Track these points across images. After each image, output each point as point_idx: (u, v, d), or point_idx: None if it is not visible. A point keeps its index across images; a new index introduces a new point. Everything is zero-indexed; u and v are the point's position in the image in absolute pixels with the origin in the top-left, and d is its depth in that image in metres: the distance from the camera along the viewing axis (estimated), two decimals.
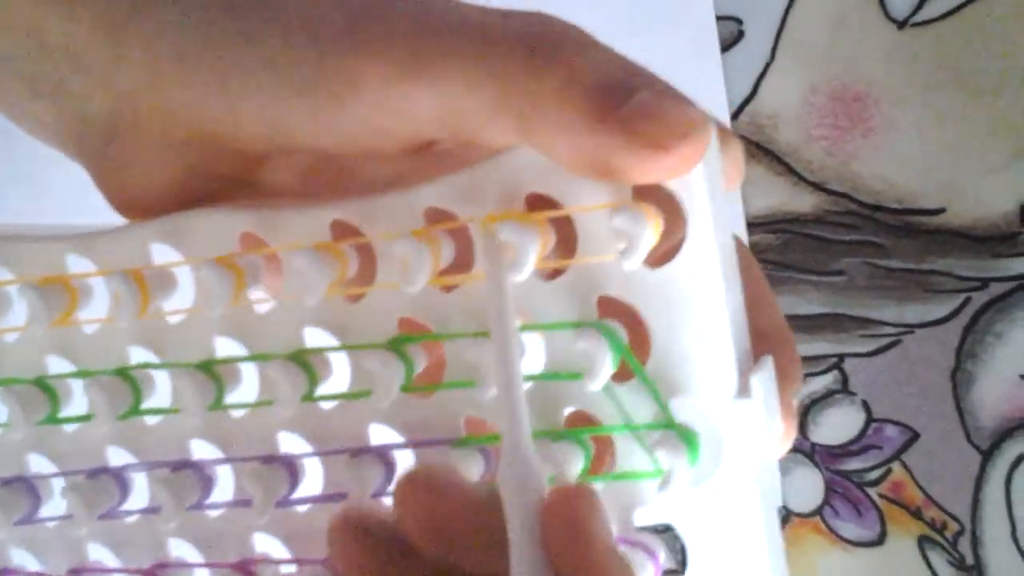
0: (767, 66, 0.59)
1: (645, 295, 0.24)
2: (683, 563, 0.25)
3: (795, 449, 0.60)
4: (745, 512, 0.24)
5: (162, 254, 0.27)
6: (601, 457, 0.25)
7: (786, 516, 0.60)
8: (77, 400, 0.29)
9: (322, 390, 0.27)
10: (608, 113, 0.22)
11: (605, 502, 0.23)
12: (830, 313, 0.59)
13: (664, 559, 0.26)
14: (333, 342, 0.27)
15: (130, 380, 0.28)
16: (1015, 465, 0.58)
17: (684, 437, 0.24)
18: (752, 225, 0.59)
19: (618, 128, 0.22)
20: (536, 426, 0.24)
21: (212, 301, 0.26)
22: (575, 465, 0.25)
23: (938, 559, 0.59)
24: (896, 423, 0.59)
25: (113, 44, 0.25)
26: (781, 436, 0.25)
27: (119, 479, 0.29)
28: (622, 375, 0.24)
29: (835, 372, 0.60)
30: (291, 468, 0.27)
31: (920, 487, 0.59)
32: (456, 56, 0.23)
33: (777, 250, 0.59)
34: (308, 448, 0.27)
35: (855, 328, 0.59)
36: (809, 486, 0.60)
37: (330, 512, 0.25)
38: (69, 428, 0.29)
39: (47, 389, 0.29)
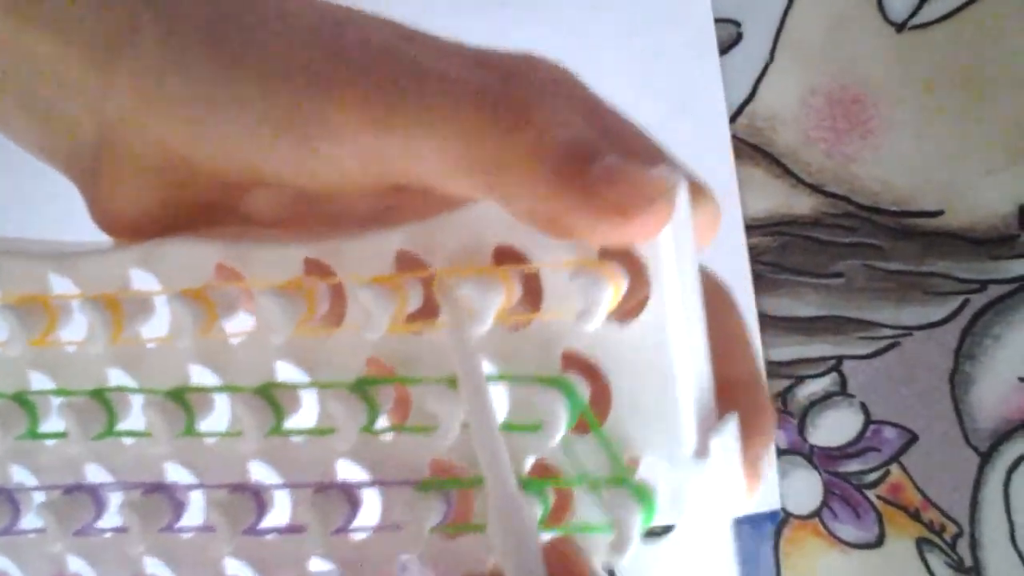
0: (765, 68, 0.59)
1: (607, 352, 0.24)
2: None
3: (794, 451, 0.60)
4: (705, 567, 0.25)
5: (141, 278, 0.28)
6: (562, 508, 0.26)
7: (785, 518, 0.60)
8: (57, 416, 0.29)
9: (292, 421, 0.27)
10: (573, 178, 0.22)
11: None
12: (828, 315, 0.59)
13: None
14: (302, 376, 0.27)
15: (105, 402, 0.28)
16: (1014, 467, 0.58)
17: (639, 494, 0.24)
18: (750, 227, 0.59)
19: (582, 193, 0.22)
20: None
21: (181, 332, 0.26)
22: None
23: (936, 561, 0.59)
24: (894, 425, 0.59)
25: (102, 72, 0.26)
26: (743, 492, 0.25)
27: (95, 496, 0.29)
28: (585, 427, 0.25)
29: (833, 374, 0.60)
30: (258, 497, 0.28)
31: (919, 489, 0.59)
32: (427, 111, 0.23)
33: (775, 252, 0.59)
34: (277, 478, 0.28)
35: (853, 330, 0.59)
36: (807, 488, 0.60)
37: (295, 542, 0.26)
38: (49, 443, 0.29)
39: (26, 404, 0.29)
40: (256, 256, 0.27)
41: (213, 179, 0.26)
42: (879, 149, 0.58)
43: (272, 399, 0.27)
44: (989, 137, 0.57)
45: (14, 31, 0.26)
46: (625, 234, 0.22)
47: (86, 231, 0.28)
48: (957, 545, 0.59)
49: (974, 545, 0.59)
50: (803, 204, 0.59)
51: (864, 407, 0.59)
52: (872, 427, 0.59)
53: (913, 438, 0.59)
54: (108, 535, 0.29)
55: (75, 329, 0.29)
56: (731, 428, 0.24)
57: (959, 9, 0.57)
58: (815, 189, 0.59)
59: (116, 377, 0.29)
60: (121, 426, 0.29)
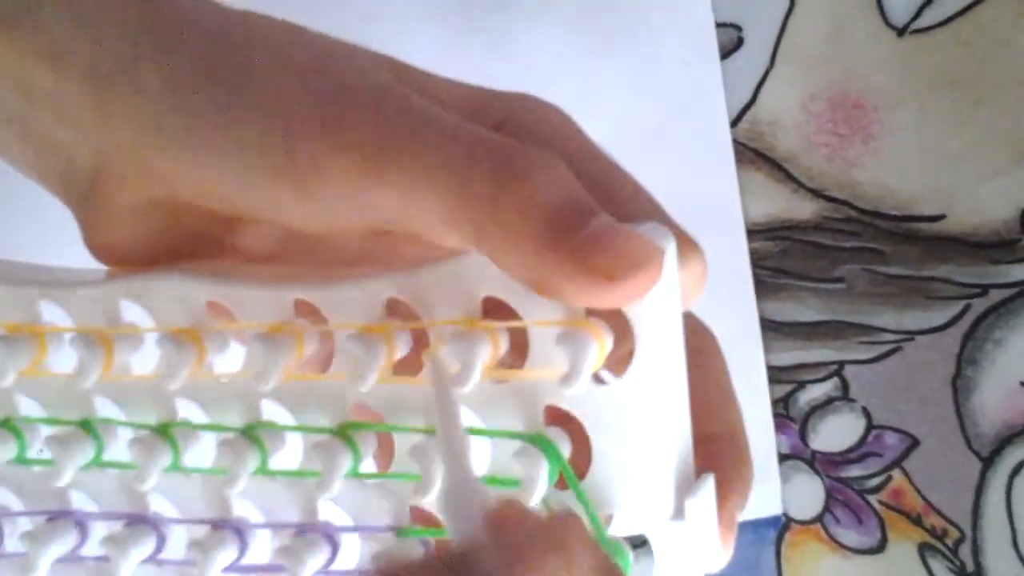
0: (766, 73, 0.59)
1: (589, 410, 0.24)
2: None
3: (795, 456, 0.60)
4: None
5: (132, 309, 0.28)
6: None
7: (786, 524, 0.60)
8: (45, 444, 0.29)
9: (277, 459, 0.27)
10: (561, 240, 0.22)
11: None
12: (830, 320, 0.59)
13: None
14: (289, 417, 0.27)
15: (92, 432, 0.29)
16: (1016, 472, 0.58)
17: (615, 552, 0.24)
18: (751, 232, 0.59)
19: (569, 256, 0.22)
20: None
21: (170, 374, 0.27)
22: None
23: (939, 566, 0.59)
24: (896, 430, 0.59)
25: (99, 104, 0.26)
26: (718, 550, 0.26)
27: (79, 524, 0.29)
28: (564, 482, 0.25)
29: (835, 379, 0.60)
30: (240, 535, 0.28)
31: (920, 494, 0.59)
32: (418, 162, 0.23)
33: (776, 257, 0.59)
34: (260, 517, 0.28)
35: (855, 335, 0.59)
36: (809, 493, 0.60)
37: None
38: (36, 469, 0.30)
39: (14, 431, 0.29)
40: (247, 296, 0.27)
41: (206, 213, 0.27)
42: (880, 153, 0.58)
43: (257, 440, 0.27)
44: (991, 141, 0.57)
45: (13, 60, 0.26)
46: (612, 298, 0.23)
47: (82, 254, 0.28)
48: (959, 550, 0.59)
49: (976, 550, 0.59)
50: (804, 209, 0.59)
51: (866, 412, 0.59)
52: (874, 432, 0.59)
53: (915, 443, 0.59)
54: (91, 563, 0.29)
55: (64, 357, 0.29)
56: (707, 489, 0.25)
57: (960, 13, 0.57)
58: (816, 194, 0.59)
59: (104, 407, 0.29)
60: (107, 455, 0.29)
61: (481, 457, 0.25)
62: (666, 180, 0.57)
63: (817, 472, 0.60)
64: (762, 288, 0.59)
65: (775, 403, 0.60)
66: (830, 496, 0.60)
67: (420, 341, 0.26)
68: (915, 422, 0.59)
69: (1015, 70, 0.57)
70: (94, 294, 0.28)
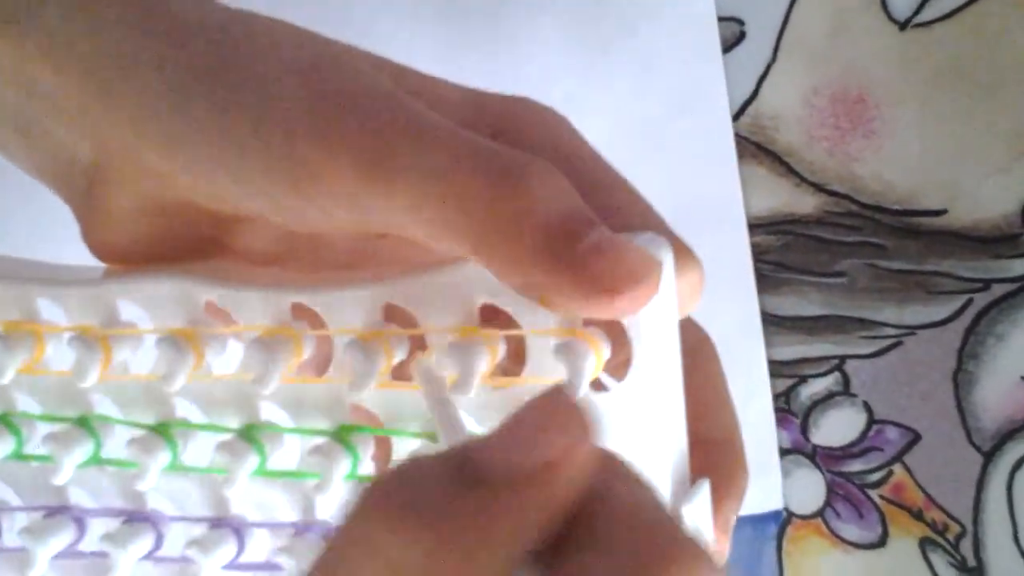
0: (768, 67, 0.59)
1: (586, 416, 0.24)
2: None
3: (796, 451, 0.60)
4: None
5: (130, 308, 0.28)
6: None
7: (787, 518, 0.60)
8: (43, 441, 0.29)
9: (276, 459, 0.27)
10: (559, 253, 0.22)
11: None
12: (831, 314, 0.59)
13: None
14: (287, 418, 0.27)
15: (91, 429, 0.29)
16: (1017, 467, 0.58)
17: None
18: (753, 226, 0.59)
19: (567, 269, 0.22)
20: None
21: (168, 376, 0.27)
22: None
23: (940, 561, 0.59)
24: (897, 425, 0.59)
25: (99, 102, 0.26)
26: (713, 552, 0.25)
27: (76, 520, 0.29)
28: None
29: (836, 374, 0.60)
30: (239, 533, 0.28)
31: (922, 489, 0.59)
32: (415, 169, 0.23)
33: (778, 251, 0.59)
34: (258, 515, 0.28)
35: (856, 329, 0.59)
36: (810, 488, 0.60)
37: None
38: (34, 464, 0.30)
39: (11, 427, 0.29)
40: (244, 298, 0.27)
41: (204, 213, 0.27)
42: (882, 148, 0.58)
43: (256, 441, 0.27)
44: (993, 136, 0.57)
45: (13, 58, 0.26)
46: (610, 311, 0.23)
47: (82, 251, 0.28)
48: (960, 545, 0.59)
49: (977, 545, 0.59)
50: (806, 203, 0.59)
51: (867, 407, 0.59)
52: (875, 427, 0.59)
53: (916, 438, 0.59)
54: (89, 559, 0.29)
55: (62, 355, 0.29)
56: (703, 495, 0.25)
57: (962, 8, 0.57)
58: (818, 188, 0.59)
59: (102, 405, 0.29)
60: (105, 453, 0.29)
61: None
62: (668, 174, 0.57)
63: (818, 466, 0.60)
64: (763, 282, 0.59)
65: (776, 397, 0.60)
66: (831, 491, 0.60)
67: (418, 347, 0.26)
68: (916, 417, 0.59)
69: (1017, 64, 0.57)
70: (92, 293, 0.28)
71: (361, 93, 0.25)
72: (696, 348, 0.27)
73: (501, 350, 0.25)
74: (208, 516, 0.28)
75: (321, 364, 0.27)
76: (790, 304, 0.59)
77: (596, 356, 0.23)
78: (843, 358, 0.59)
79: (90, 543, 0.29)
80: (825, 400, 0.60)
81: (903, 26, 0.58)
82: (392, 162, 0.24)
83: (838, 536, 0.60)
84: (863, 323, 0.59)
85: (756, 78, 0.59)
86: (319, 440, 0.26)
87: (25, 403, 0.30)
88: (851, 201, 0.59)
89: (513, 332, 0.24)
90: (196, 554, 0.27)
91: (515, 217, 0.23)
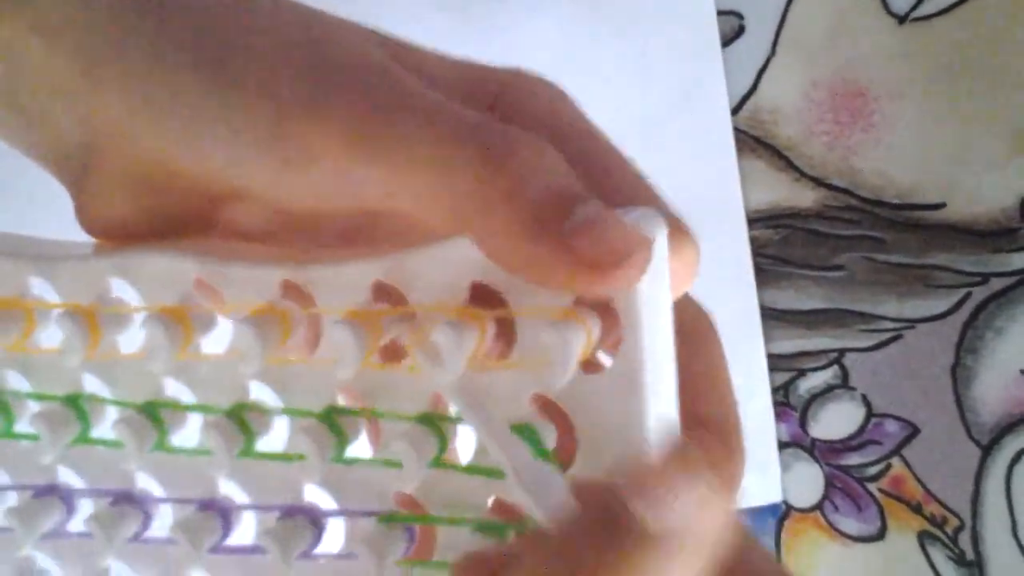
0: (768, 61, 0.59)
1: (576, 399, 0.24)
2: None
3: (795, 444, 0.60)
4: None
5: (120, 286, 0.28)
6: None
7: (786, 511, 0.60)
8: (31, 420, 0.29)
9: (264, 441, 0.27)
10: (549, 227, 0.22)
11: None
12: (830, 308, 0.59)
13: None
14: (274, 398, 0.27)
15: (79, 409, 0.29)
16: (1015, 460, 0.58)
17: None
18: (752, 220, 0.59)
19: (558, 244, 0.22)
20: (458, 513, 0.25)
21: (156, 354, 0.26)
22: None
23: (938, 554, 0.59)
24: (896, 418, 0.59)
25: (90, 79, 0.26)
26: None
27: (65, 500, 0.29)
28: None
29: (835, 367, 0.60)
30: (225, 516, 0.28)
31: (920, 482, 0.59)
32: (405, 143, 0.23)
33: (777, 245, 0.59)
34: (245, 498, 0.28)
35: (855, 323, 0.59)
36: (809, 481, 0.60)
37: (260, 562, 0.26)
38: (23, 443, 0.30)
39: (2, 405, 0.29)
40: (234, 275, 0.27)
41: (194, 190, 0.27)
42: (881, 142, 0.58)
43: (243, 421, 0.27)
44: (991, 130, 0.57)
45: (5, 36, 0.26)
46: (599, 287, 0.22)
47: (76, 228, 0.28)
48: (959, 538, 0.59)
49: (976, 538, 0.59)
50: (805, 197, 0.59)
51: (866, 400, 0.59)
52: (874, 420, 0.59)
53: (915, 431, 0.59)
54: (76, 539, 0.29)
55: (52, 333, 0.29)
56: None
57: (961, 2, 0.57)
58: (817, 182, 0.59)
59: (91, 384, 0.29)
60: (95, 432, 0.29)
61: (466, 445, 0.25)
62: (667, 168, 0.57)
63: (817, 460, 0.60)
64: (763, 276, 0.59)
65: (775, 391, 0.60)
66: (830, 484, 0.60)
67: (407, 324, 0.26)
68: (915, 410, 0.59)
69: (1016, 58, 0.57)
70: (82, 269, 0.28)
71: (353, 68, 0.25)
72: (696, 327, 0.27)
73: (491, 331, 0.24)
74: (196, 498, 0.28)
75: (313, 342, 0.27)
76: (789, 298, 0.60)
77: (586, 336, 0.23)
78: (842, 351, 0.59)
79: (78, 523, 0.29)
80: (824, 393, 0.60)
81: (902, 20, 0.58)
82: (381, 137, 0.23)
83: (837, 529, 0.60)
84: (862, 316, 0.59)
85: (755, 72, 0.59)
86: (306, 422, 0.26)
87: (15, 382, 0.30)
88: (850, 195, 0.59)
89: (501, 313, 0.24)
90: (181, 536, 0.27)
91: (503, 192, 0.22)
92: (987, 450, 0.58)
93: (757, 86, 0.59)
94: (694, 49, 0.58)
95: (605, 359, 0.24)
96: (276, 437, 0.27)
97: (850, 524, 0.60)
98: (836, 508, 0.60)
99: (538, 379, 0.24)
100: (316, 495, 0.27)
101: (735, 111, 0.59)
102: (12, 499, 0.30)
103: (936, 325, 0.59)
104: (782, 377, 0.60)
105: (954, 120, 0.58)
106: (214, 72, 0.25)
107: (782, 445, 0.60)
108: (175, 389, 0.28)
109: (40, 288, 0.29)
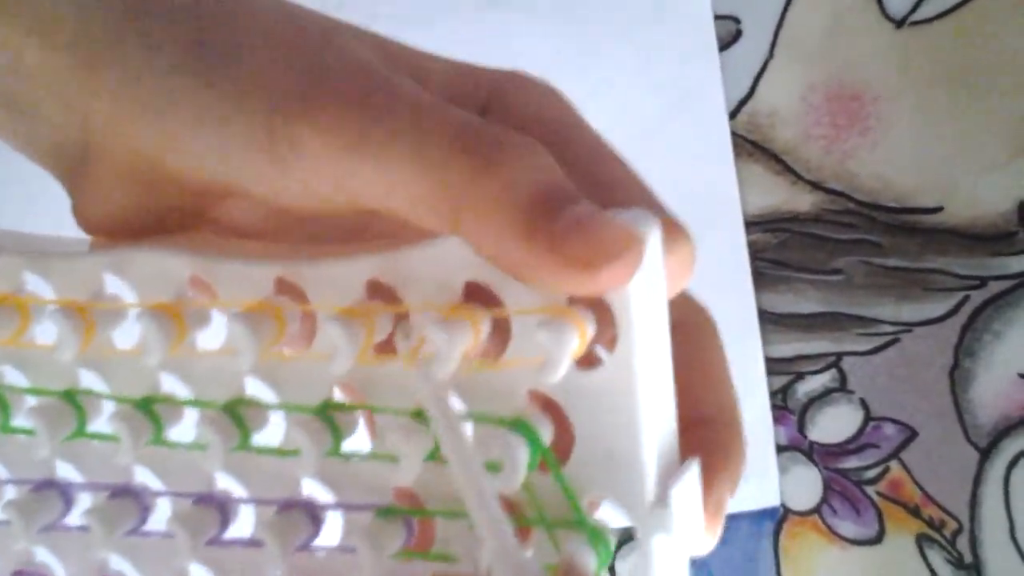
0: (765, 65, 0.59)
1: (572, 395, 0.24)
2: None
3: (793, 447, 0.60)
4: None
5: (115, 282, 0.28)
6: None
7: (784, 514, 0.60)
8: (28, 415, 0.29)
9: (262, 436, 0.27)
10: (539, 227, 0.22)
11: None
12: (828, 312, 0.59)
13: None
14: (270, 394, 0.27)
15: (75, 403, 0.29)
16: (1013, 463, 0.58)
17: (595, 539, 0.24)
18: (750, 224, 0.59)
19: (547, 244, 0.22)
20: (456, 506, 0.24)
21: (150, 350, 0.26)
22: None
23: (936, 557, 0.59)
24: (894, 421, 0.59)
25: (84, 76, 0.26)
26: (703, 536, 0.25)
27: (63, 494, 0.29)
28: (547, 467, 0.25)
29: (833, 371, 0.60)
30: (223, 509, 0.28)
31: (918, 485, 0.59)
32: (397, 144, 0.23)
33: (775, 249, 0.60)
34: (243, 492, 0.28)
35: (853, 327, 0.59)
36: (807, 484, 0.60)
37: (259, 555, 0.26)
38: (20, 438, 0.30)
39: None
40: (228, 272, 0.27)
41: (189, 188, 0.27)
42: (878, 146, 0.58)
43: (239, 417, 0.27)
44: (989, 133, 0.57)
45: (1, 36, 0.26)
46: (591, 286, 0.22)
47: (74, 226, 0.29)
48: (957, 541, 0.59)
49: (974, 541, 0.59)
50: (803, 201, 0.59)
51: (864, 403, 0.59)
52: (872, 423, 0.59)
53: (913, 434, 0.59)
54: (75, 533, 0.30)
55: (47, 328, 0.29)
56: (692, 475, 0.24)
57: (959, 5, 0.57)
58: (815, 186, 0.59)
59: (88, 379, 0.29)
60: (92, 427, 0.29)
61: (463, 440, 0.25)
62: (665, 172, 0.57)
63: (815, 463, 0.60)
64: (760, 280, 0.59)
65: (773, 394, 0.60)
66: (828, 487, 0.60)
67: (400, 322, 0.26)
68: (913, 413, 0.59)
69: (1013, 62, 0.57)
70: (78, 266, 0.28)
71: (346, 69, 0.25)
72: (695, 325, 0.27)
73: (485, 329, 0.24)
74: (193, 492, 0.28)
75: (308, 338, 0.27)
76: (787, 301, 0.60)
77: (579, 334, 0.23)
78: (840, 355, 0.60)
79: (76, 517, 0.29)
80: (822, 397, 0.60)
81: (899, 24, 0.58)
82: (372, 137, 0.23)
83: (835, 533, 0.60)
84: (860, 320, 0.59)
85: (753, 76, 0.59)
86: (302, 417, 0.26)
87: (12, 377, 0.30)
88: (848, 199, 0.59)
89: (495, 313, 0.24)
90: (179, 530, 0.27)
91: (493, 193, 0.22)
92: (985, 453, 0.58)
93: (754, 90, 0.59)
94: (691, 53, 0.58)
95: (605, 356, 0.24)
96: (275, 432, 0.27)
97: (848, 527, 0.60)
98: (834, 511, 0.60)
99: (533, 375, 0.24)
100: (314, 489, 0.27)
101: (732, 115, 0.59)
102: (11, 493, 0.30)
103: (934, 328, 0.59)
104: (780, 381, 0.60)
105: (951, 124, 0.58)
106: (208, 71, 0.25)
107: (780, 448, 0.60)
108: (171, 385, 0.28)
109: (35, 284, 0.29)
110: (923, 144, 0.58)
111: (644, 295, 0.23)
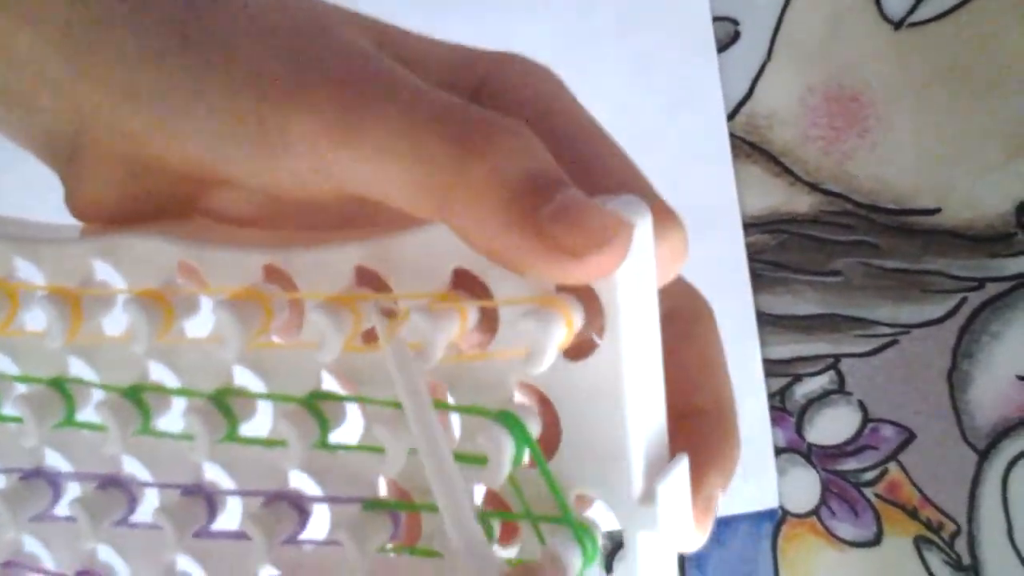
0: (763, 66, 0.59)
1: (559, 387, 0.24)
2: None
3: (792, 450, 0.60)
4: None
5: (104, 269, 0.28)
6: (506, 539, 0.26)
7: (782, 516, 0.60)
8: (16, 403, 0.29)
9: (250, 426, 0.27)
10: (526, 215, 0.22)
11: None
12: (826, 313, 0.59)
13: None
14: (259, 383, 0.27)
15: (64, 392, 0.29)
16: (1011, 465, 0.58)
17: (580, 534, 0.24)
18: (748, 225, 0.59)
19: (533, 232, 0.22)
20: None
21: (137, 336, 0.26)
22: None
23: (935, 559, 0.59)
24: (892, 423, 0.59)
25: (76, 65, 0.26)
26: (692, 533, 0.25)
27: (52, 483, 0.29)
28: (534, 461, 0.24)
29: (831, 372, 0.60)
30: (210, 500, 0.28)
31: (916, 487, 0.59)
32: (384, 131, 0.23)
33: (774, 250, 0.59)
34: (230, 483, 0.28)
35: (851, 328, 0.59)
36: (805, 486, 0.60)
37: (245, 546, 0.26)
38: (9, 426, 0.29)
39: None
40: (217, 258, 0.27)
41: (179, 175, 0.27)
42: (877, 147, 0.58)
43: (226, 406, 0.27)
44: (987, 135, 0.57)
45: None
46: (577, 274, 0.22)
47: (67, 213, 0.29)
48: (955, 543, 0.59)
49: (972, 543, 0.59)
50: (801, 202, 0.59)
51: (862, 405, 0.59)
52: (870, 425, 0.59)
53: (911, 436, 0.59)
54: (63, 523, 0.29)
55: (37, 315, 0.29)
56: (680, 470, 0.24)
57: (957, 7, 0.57)
58: (813, 187, 0.59)
59: (77, 367, 0.29)
60: (81, 416, 0.29)
61: (448, 433, 0.25)
62: (663, 174, 0.57)
63: (813, 465, 0.60)
64: (759, 282, 0.59)
65: (771, 396, 0.60)
66: (826, 489, 0.60)
67: (387, 311, 0.25)
68: (911, 415, 0.59)
69: (1011, 64, 0.57)
70: (67, 252, 0.28)
71: (335, 54, 0.25)
72: (691, 312, 0.27)
73: (472, 318, 0.24)
74: (181, 483, 0.28)
75: (295, 328, 0.27)
76: (785, 303, 0.60)
77: (566, 324, 0.22)
78: (838, 357, 0.60)
79: (64, 507, 0.29)
80: (820, 399, 0.60)
81: (897, 26, 0.58)
82: (359, 124, 0.23)
83: (833, 534, 0.60)
84: (858, 322, 0.59)
85: (751, 78, 0.59)
86: (289, 407, 0.26)
87: (2, 364, 0.30)
88: (846, 200, 0.59)
89: (482, 303, 0.24)
90: (166, 521, 0.27)
91: (480, 179, 0.22)
92: (983, 455, 0.58)
93: (752, 92, 0.59)
94: (690, 55, 0.58)
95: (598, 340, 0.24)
96: (262, 421, 0.27)
97: (846, 529, 0.60)
98: (833, 513, 0.60)
99: (520, 366, 0.24)
100: (302, 481, 0.27)
101: (731, 117, 0.59)
102: (0, 481, 0.30)
103: (932, 330, 0.59)
104: (778, 382, 0.60)
105: (949, 125, 0.58)
106: (197, 59, 0.25)
107: (778, 450, 0.60)
108: (160, 373, 0.28)
109: (25, 270, 0.29)
110: (921, 145, 0.58)
111: (632, 284, 0.22)
